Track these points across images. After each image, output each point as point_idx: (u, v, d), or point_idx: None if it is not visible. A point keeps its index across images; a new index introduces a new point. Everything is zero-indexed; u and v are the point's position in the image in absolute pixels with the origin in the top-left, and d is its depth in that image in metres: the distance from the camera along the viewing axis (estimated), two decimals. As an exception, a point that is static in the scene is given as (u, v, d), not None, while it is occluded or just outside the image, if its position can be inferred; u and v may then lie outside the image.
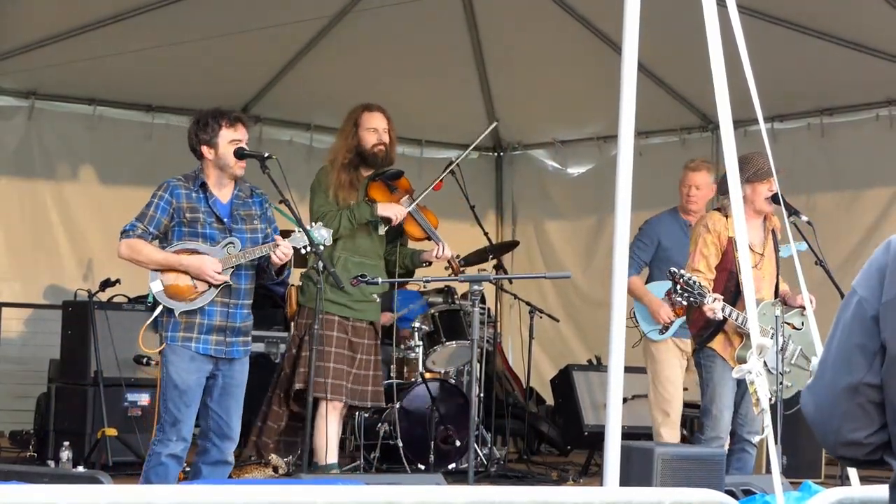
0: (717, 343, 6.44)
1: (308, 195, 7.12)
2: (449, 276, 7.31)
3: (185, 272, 5.62)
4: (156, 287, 5.65)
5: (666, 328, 7.30)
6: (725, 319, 6.31)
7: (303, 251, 5.89)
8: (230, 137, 5.71)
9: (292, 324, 7.28)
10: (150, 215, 5.67)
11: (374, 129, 7.01)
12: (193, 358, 5.60)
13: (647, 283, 7.57)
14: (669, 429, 7.26)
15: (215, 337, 5.63)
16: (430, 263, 7.20)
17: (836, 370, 2.27)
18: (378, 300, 7.06)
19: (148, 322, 5.74)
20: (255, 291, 5.90)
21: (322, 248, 5.94)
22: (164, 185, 5.73)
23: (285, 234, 5.86)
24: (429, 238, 7.12)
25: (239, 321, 5.70)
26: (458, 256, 7.23)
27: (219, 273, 5.61)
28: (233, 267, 5.65)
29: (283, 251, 5.67)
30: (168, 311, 5.64)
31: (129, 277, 8.10)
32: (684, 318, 6.85)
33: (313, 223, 5.96)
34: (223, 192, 5.76)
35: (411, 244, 7.35)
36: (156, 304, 5.69)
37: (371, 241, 7.01)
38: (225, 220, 5.71)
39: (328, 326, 6.79)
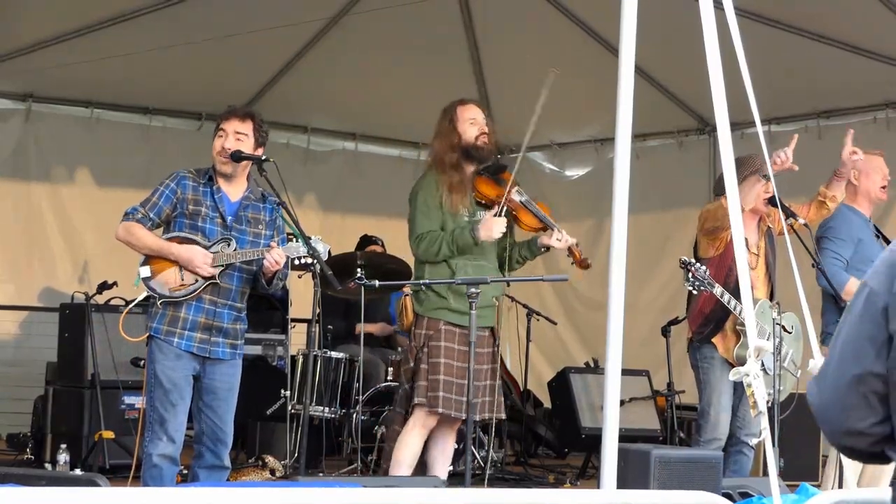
0: (716, 340, 6.47)
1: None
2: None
3: (175, 262, 5.56)
4: (144, 272, 5.61)
5: None
6: (724, 318, 6.33)
7: (297, 262, 5.71)
8: (218, 130, 5.71)
9: (410, 334, 6.52)
10: (152, 201, 5.64)
11: (474, 120, 6.53)
12: (179, 356, 5.53)
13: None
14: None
15: (199, 335, 5.55)
16: (548, 248, 6.60)
17: (842, 360, 2.29)
18: (497, 303, 6.48)
19: (131, 305, 5.69)
20: (252, 293, 5.83)
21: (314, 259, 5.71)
22: (174, 174, 5.70)
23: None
24: (545, 228, 6.61)
25: (226, 322, 5.61)
26: (578, 244, 6.64)
27: (208, 266, 5.53)
28: (223, 265, 5.58)
29: (275, 257, 5.53)
30: (156, 302, 5.59)
31: (126, 280, 8.08)
32: None
33: (312, 237, 5.70)
34: (232, 191, 5.72)
35: (526, 234, 6.78)
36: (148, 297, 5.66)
37: (484, 242, 6.42)
38: (228, 217, 5.64)
39: (449, 338, 6.27)
